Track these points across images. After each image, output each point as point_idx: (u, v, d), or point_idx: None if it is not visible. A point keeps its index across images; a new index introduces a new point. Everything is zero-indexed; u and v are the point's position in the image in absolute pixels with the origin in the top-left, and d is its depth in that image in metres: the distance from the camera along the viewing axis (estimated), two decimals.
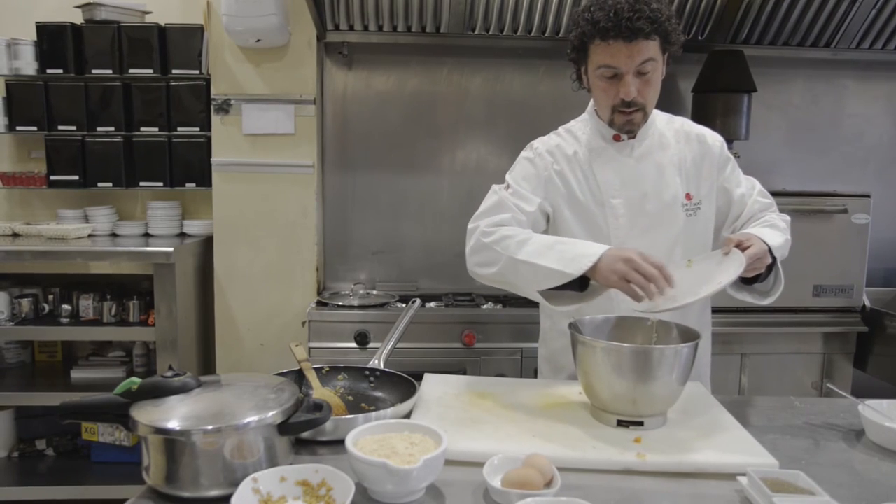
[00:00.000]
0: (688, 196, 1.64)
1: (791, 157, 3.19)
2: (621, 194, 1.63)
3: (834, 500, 1.01)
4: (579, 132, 1.70)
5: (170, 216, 3.00)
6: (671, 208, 1.64)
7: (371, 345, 2.62)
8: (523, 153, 1.73)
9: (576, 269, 1.40)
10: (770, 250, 1.46)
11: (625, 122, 1.57)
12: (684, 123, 1.72)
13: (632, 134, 1.62)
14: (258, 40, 2.71)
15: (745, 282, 1.54)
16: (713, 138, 1.70)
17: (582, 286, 1.46)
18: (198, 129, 2.93)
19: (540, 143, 1.71)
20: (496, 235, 1.55)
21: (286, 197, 2.88)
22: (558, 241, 1.52)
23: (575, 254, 1.43)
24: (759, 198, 1.71)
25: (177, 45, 2.90)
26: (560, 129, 1.75)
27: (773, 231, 1.57)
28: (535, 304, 2.91)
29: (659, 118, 1.70)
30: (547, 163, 1.67)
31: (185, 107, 2.92)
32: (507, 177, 1.70)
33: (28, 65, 2.88)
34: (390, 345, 1.58)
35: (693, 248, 1.64)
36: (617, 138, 1.64)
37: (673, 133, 1.69)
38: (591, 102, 1.69)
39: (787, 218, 1.68)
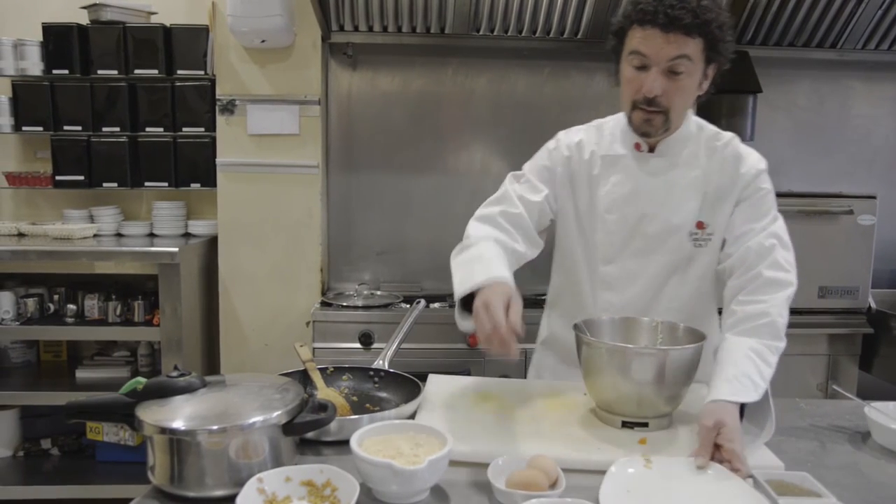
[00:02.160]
0: (699, 224, 1.51)
1: (797, 158, 3.19)
2: (619, 210, 1.53)
3: (840, 503, 1.01)
4: (608, 132, 1.59)
5: (175, 216, 3.00)
6: (676, 234, 1.51)
7: (375, 345, 2.62)
8: (548, 143, 1.64)
9: (460, 291, 1.34)
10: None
11: (643, 120, 1.45)
12: (729, 143, 1.53)
13: (649, 137, 1.50)
14: (263, 41, 2.71)
15: None
16: (749, 165, 1.50)
17: None
18: (203, 129, 2.93)
19: (564, 135, 1.63)
20: (468, 232, 1.52)
21: (291, 197, 2.89)
22: (480, 257, 1.41)
23: (472, 273, 1.34)
24: (763, 238, 1.44)
25: (182, 45, 2.90)
26: (593, 122, 1.63)
27: (757, 363, 1.31)
28: (539, 306, 2.91)
29: (701, 133, 1.55)
30: (563, 158, 1.59)
31: (191, 107, 2.93)
32: (525, 165, 1.64)
33: (34, 65, 2.89)
34: (395, 345, 1.58)
35: (695, 279, 1.53)
36: (637, 147, 1.53)
37: (708, 153, 1.53)
38: None
39: (790, 288, 1.42)
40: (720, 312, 1.49)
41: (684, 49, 1.36)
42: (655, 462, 1.12)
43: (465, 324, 1.38)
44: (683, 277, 1.54)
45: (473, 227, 1.53)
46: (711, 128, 1.57)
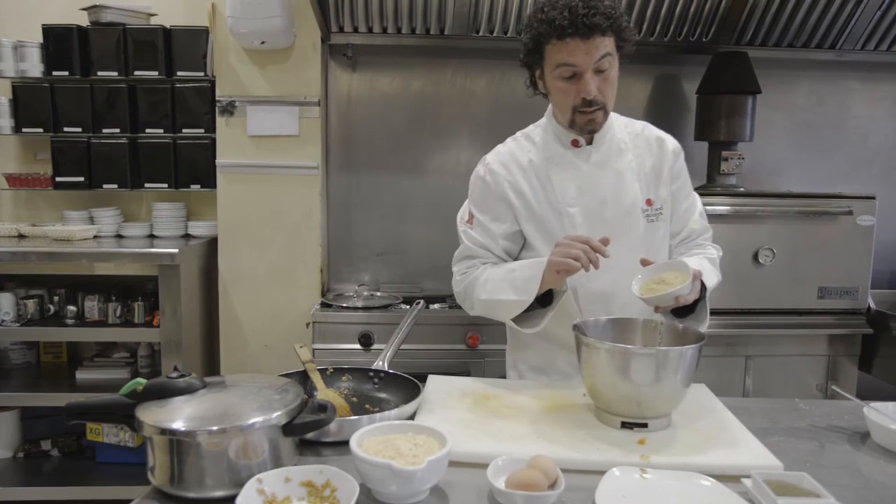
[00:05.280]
0: (648, 202, 1.63)
1: (796, 158, 3.19)
2: (578, 202, 1.61)
3: (838, 503, 1.01)
4: (537, 137, 1.68)
5: (175, 217, 3.01)
6: (631, 215, 1.61)
7: (375, 346, 2.62)
8: (477, 169, 1.71)
9: (528, 294, 1.49)
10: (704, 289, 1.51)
11: (586, 121, 1.55)
12: (645, 128, 1.70)
13: (593, 133, 1.60)
14: (263, 42, 2.71)
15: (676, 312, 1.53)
16: (672, 144, 1.68)
17: (545, 301, 1.54)
18: (202, 130, 2.94)
19: (493, 156, 1.70)
20: (465, 283, 1.67)
21: (291, 198, 2.89)
22: (510, 269, 1.58)
23: (524, 278, 1.51)
24: (700, 219, 1.71)
25: (182, 46, 2.91)
26: (518, 133, 1.73)
27: (711, 270, 1.60)
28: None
29: (618, 122, 1.68)
30: (500, 178, 1.65)
31: (190, 108, 2.93)
32: (468, 204, 1.71)
33: (34, 67, 2.89)
34: (394, 346, 1.58)
35: (654, 253, 1.61)
36: (575, 144, 1.63)
37: (632, 138, 1.67)
38: (550, 107, 1.67)
39: (720, 252, 1.71)
40: None
41: (604, 49, 1.49)
42: (652, 473, 1.12)
43: (527, 328, 1.55)
44: (647, 255, 1.58)
45: (472, 273, 1.66)
46: (623, 117, 1.72)
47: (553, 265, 1.43)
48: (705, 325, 1.55)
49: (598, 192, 1.61)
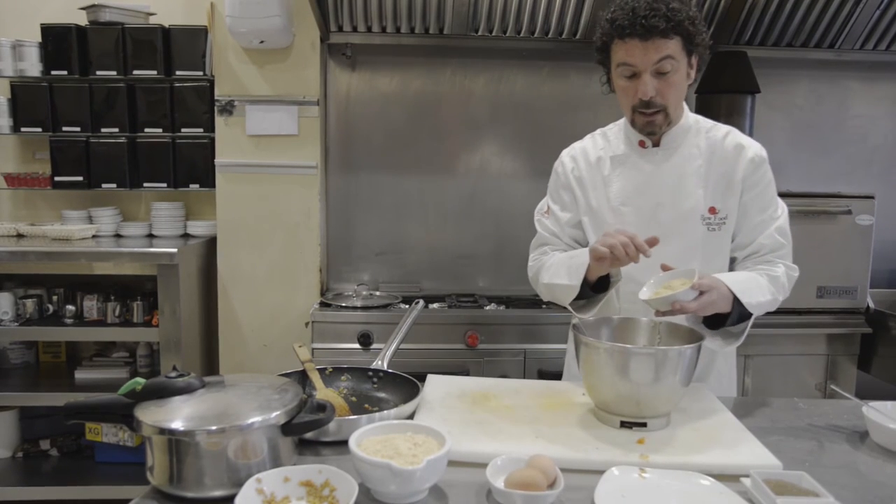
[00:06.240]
0: (712, 210, 1.59)
1: (795, 158, 3.19)
2: (633, 202, 1.62)
3: (838, 502, 1.01)
4: (612, 136, 1.71)
5: (173, 217, 3.00)
6: (688, 220, 1.59)
7: (374, 346, 2.62)
8: (555, 162, 1.78)
9: (576, 279, 1.52)
10: (738, 302, 1.45)
11: (645, 123, 1.56)
12: (728, 134, 1.64)
13: (654, 135, 1.60)
14: (262, 41, 2.71)
15: (709, 321, 1.51)
16: (753, 153, 1.60)
17: (600, 287, 1.56)
18: (201, 130, 2.93)
19: (567, 150, 1.76)
20: (534, 269, 1.73)
21: (290, 198, 2.89)
22: (570, 255, 1.63)
23: (576, 265, 1.54)
24: (775, 234, 1.60)
25: (181, 46, 2.90)
26: (597, 130, 1.76)
27: (764, 287, 1.52)
28: (538, 306, 2.91)
29: (698, 126, 1.64)
30: (567, 170, 1.72)
31: (189, 108, 2.93)
32: (547, 196, 1.79)
33: (33, 66, 2.89)
34: (393, 346, 1.58)
35: (713, 262, 1.59)
36: (642, 145, 1.63)
37: (709, 143, 1.62)
38: None
39: (795, 272, 1.61)
40: None
41: (665, 51, 1.48)
42: (651, 472, 1.12)
43: (583, 314, 1.55)
44: (705, 263, 1.58)
45: (541, 260, 1.71)
46: (708, 121, 1.67)
47: (592, 252, 1.45)
48: (737, 342, 1.52)
49: (655, 194, 1.61)
